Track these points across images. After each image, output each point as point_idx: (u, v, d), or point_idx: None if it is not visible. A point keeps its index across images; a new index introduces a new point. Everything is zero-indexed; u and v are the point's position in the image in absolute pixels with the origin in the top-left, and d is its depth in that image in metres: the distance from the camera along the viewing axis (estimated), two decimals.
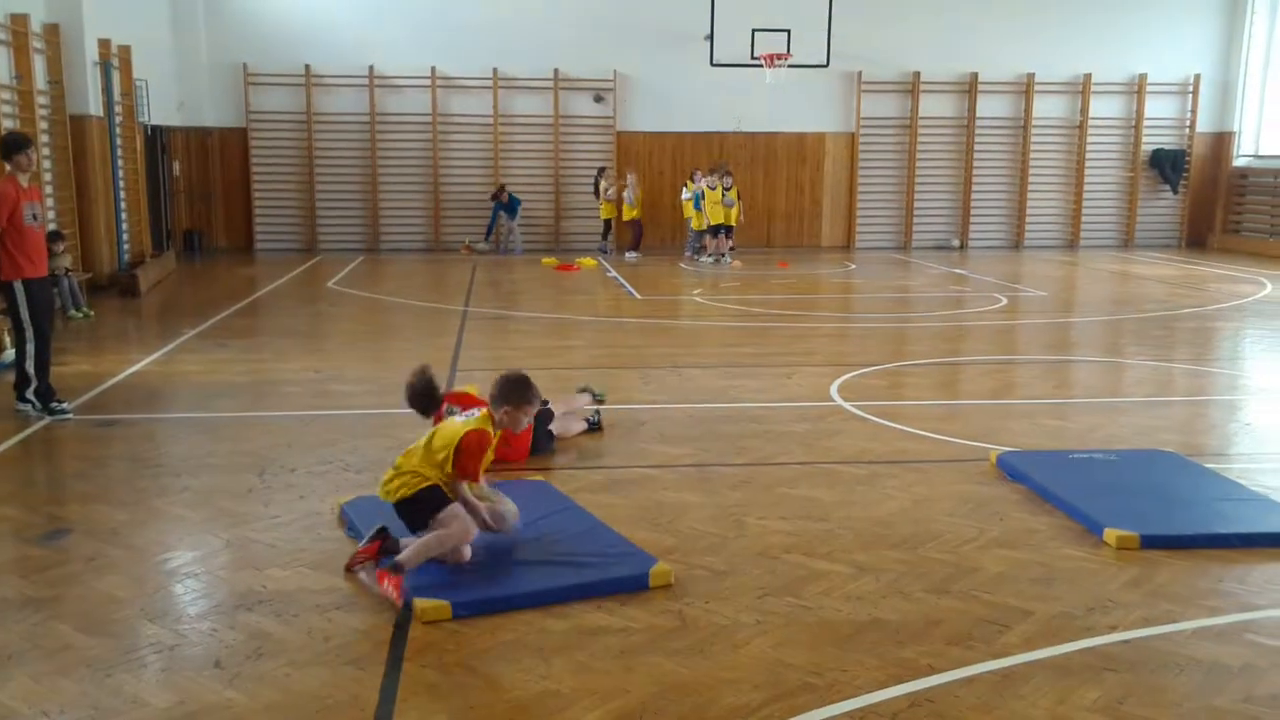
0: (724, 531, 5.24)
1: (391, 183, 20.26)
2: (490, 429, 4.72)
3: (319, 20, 19.51)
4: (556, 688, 3.69)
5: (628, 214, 19.11)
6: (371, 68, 19.69)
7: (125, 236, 15.30)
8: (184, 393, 8.46)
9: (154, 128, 17.97)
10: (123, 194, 15.38)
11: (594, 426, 7.04)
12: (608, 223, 19.64)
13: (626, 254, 19.03)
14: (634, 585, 4.50)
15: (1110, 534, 5.04)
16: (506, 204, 19.66)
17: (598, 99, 20.32)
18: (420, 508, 4.64)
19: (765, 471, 6.26)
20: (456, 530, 4.58)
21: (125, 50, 15.64)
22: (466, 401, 5.87)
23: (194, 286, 15.43)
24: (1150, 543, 4.99)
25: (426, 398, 5.02)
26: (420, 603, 4.21)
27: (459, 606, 4.21)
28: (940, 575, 4.69)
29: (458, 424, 4.71)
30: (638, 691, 3.66)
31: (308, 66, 19.55)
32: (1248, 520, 5.26)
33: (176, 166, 19.50)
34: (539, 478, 5.99)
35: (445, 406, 5.54)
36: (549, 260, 18.05)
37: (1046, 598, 4.45)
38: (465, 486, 4.71)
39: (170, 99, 18.83)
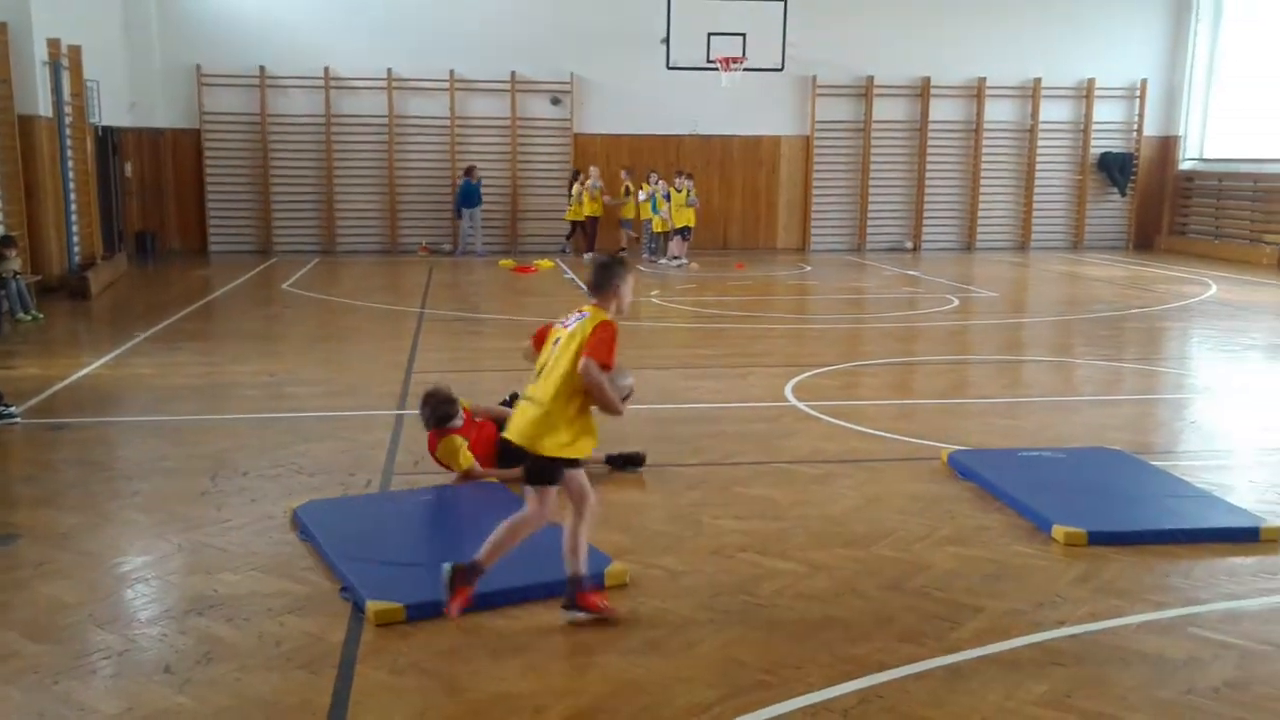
0: (679, 531, 5.27)
1: (347, 184, 20.13)
2: (609, 318, 4.27)
3: (273, 21, 19.34)
4: (510, 689, 3.69)
5: (592, 210, 19.19)
6: (327, 69, 19.55)
7: (75, 238, 15.08)
8: (136, 396, 8.37)
9: (105, 129, 17.72)
10: (73, 195, 15.16)
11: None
12: (593, 222, 19.59)
13: (584, 255, 19.10)
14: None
15: (1059, 531, 5.13)
16: (473, 186, 19.41)
17: (555, 101, 20.31)
18: (550, 468, 4.18)
19: (721, 471, 6.30)
20: (577, 491, 4.24)
21: (75, 51, 15.41)
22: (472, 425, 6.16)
23: (146, 289, 15.25)
24: (1097, 539, 5.08)
25: (446, 404, 5.75)
26: (373, 605, 4.20)
27: (413, 609, 4.20)
28: (892, 573, 4.75)
29: (571, 329, 4.20)
30: (592, 691, 3.68)
31: (262, 68, 19.38)
32: (1192, 516, 5.36)
33: (128, 168, 19.25)
34: (493, 480, 5.98)
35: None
36: (506, 262, 18.02)
37: (996, 594, 4.52)
38: (607, 380, 4.14)
39: (122, 100, 18.58)
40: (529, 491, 4.24)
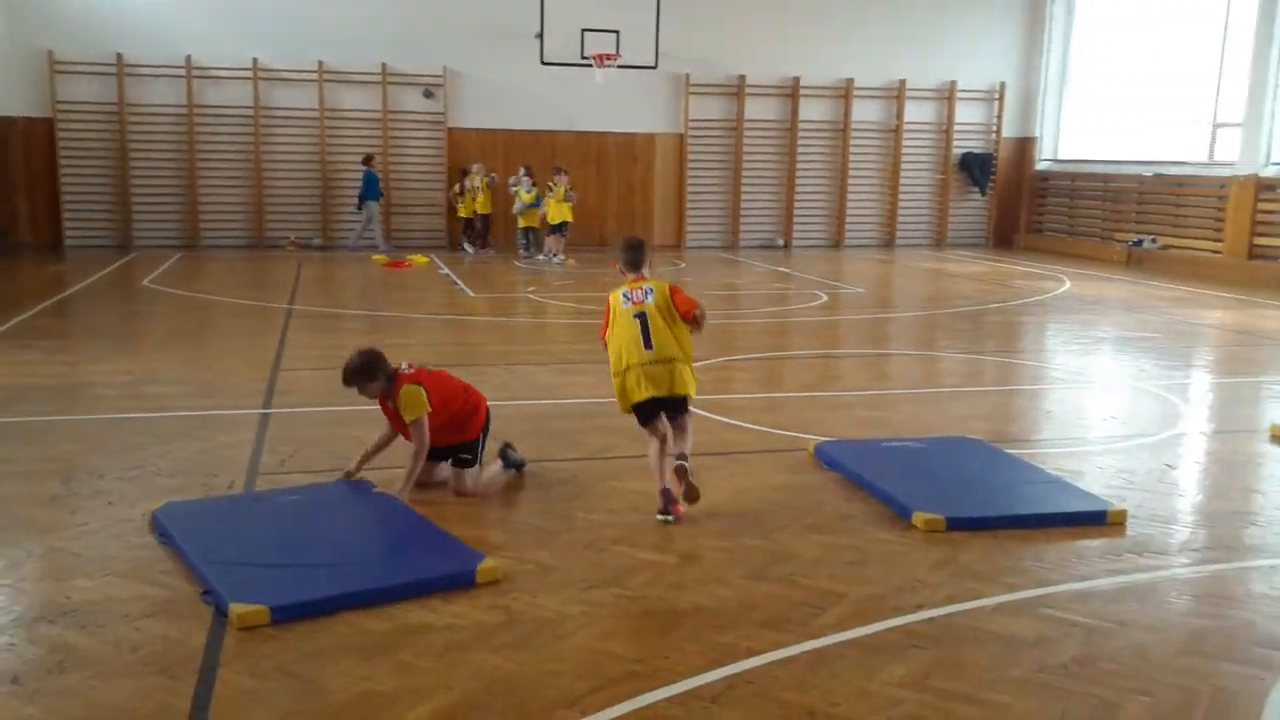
0: (553, 526, 5.28)
1: (212, 177, 19.52)
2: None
3: (130, 7, 18.61)
4: (378, 688, 3.65)
5: (484, 208, 19.07)
6: (189, 58, 18.92)
7: None
8: None
9: None
10: None
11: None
12: (484, 219, 19.38)
13: (475, 250, 19.04)
14: (461, 582, 4.49)
15: (918, 517, 5.30)
16: (374, 176, 18.94)
17: (428, 94, 20.06)
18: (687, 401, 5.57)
19: (595, 466, 6.33)
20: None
21: None
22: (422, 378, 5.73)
23: None
24: (955, 525, 5.26)
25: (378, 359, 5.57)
26: (236, 608, 4.10)
27: (277, 610, 4.12)
28: (759, 561, 4.84)
29: (652, 301, 5.48)
30: (461, 688, 3.66)
31: (119, 55, 18.65)
32: (1045, 502, 5.61)
33: None
34: (363, 478, 5.89)
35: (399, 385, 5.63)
36: (379, 257, 17.72)
37: (858, 580, 4.65)
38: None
39: None
40: (662, 422, 5.50)
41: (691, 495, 5.32)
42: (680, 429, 5.53)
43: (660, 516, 5.33)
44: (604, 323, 5.64)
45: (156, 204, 19.40)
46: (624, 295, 5.53)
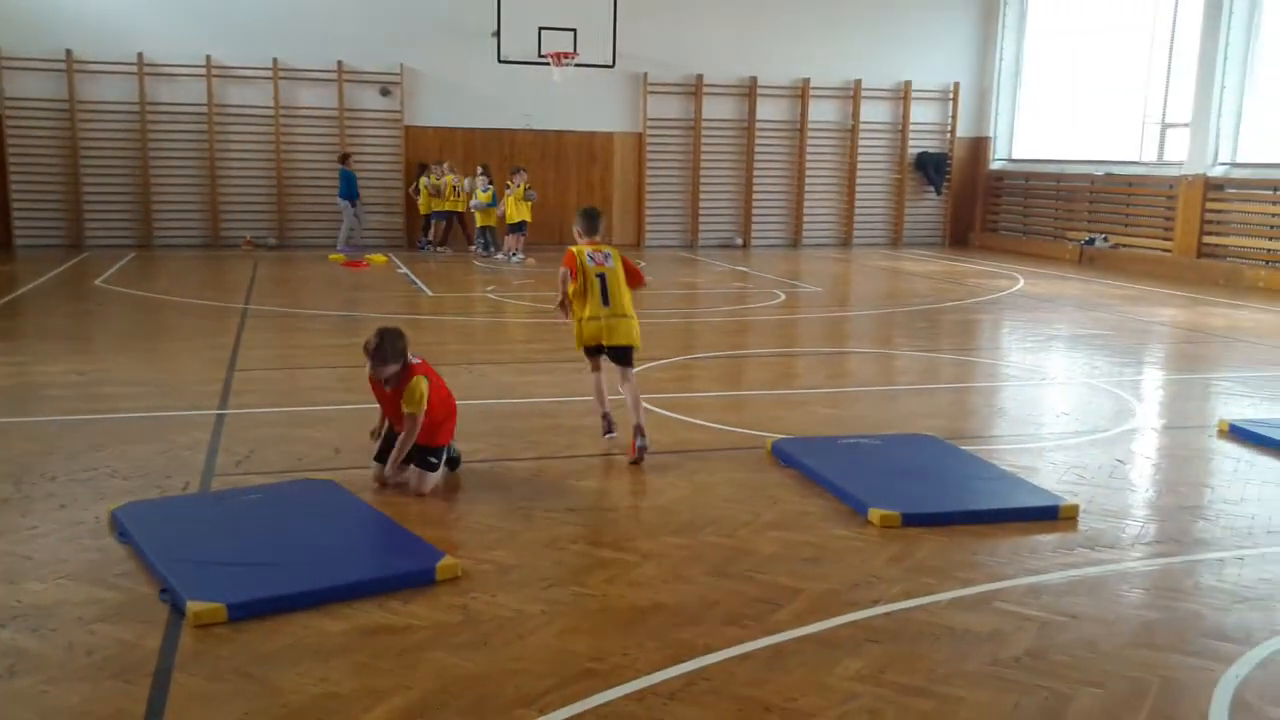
0: (512, 525, 5.28)
1: (165, 176, 19.28)
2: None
3: (80, 3, 18.35)
4: (335, 689, 3.64)
5: (439, 206, 19.01)
6: (141, 54, 18.67)
7: None
8: None
9: None
10: None
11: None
12: (449, 216, 19.29)
13: (436, 247, 19.02)
14: (420, 580, 4.48)
15: (874, 513, 5.35)
16: (351, 174, 18.69)
17: (384, 92, 19.94)
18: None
19: (555, 465, 6.33)
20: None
21: None
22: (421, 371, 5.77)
23: None
24: (911, 521, 5.32)
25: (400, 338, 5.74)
26: (193, 605, 4.07)
27: (235, 609, 4.09)
28: (717, 558, 4.87)
29: (611, 264, 6.51)
30: (420, 688, 3.66)
31: (69, 51, 18.37)
32: (999, 497, 5.68)
33: None
34: (324, 477, 5.86)
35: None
36: (336, 256, 17.60)
37: (815, 576, 4.69)
38: None
39: None
40: (622, 370, 6.49)
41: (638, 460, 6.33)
42: (626, 378, 6.49)
43: (606, 436, 6.60)
44: (571, 270, 6.42)
45: (109, 203, 19.15)
46: (589, 255, 6.49)
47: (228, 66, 19.11)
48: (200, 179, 19.39)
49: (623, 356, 6.52)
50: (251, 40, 19.04)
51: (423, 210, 19.16)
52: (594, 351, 6.61)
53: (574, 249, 6.53)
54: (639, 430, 6.34)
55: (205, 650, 3.89)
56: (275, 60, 19.20)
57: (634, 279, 6.63)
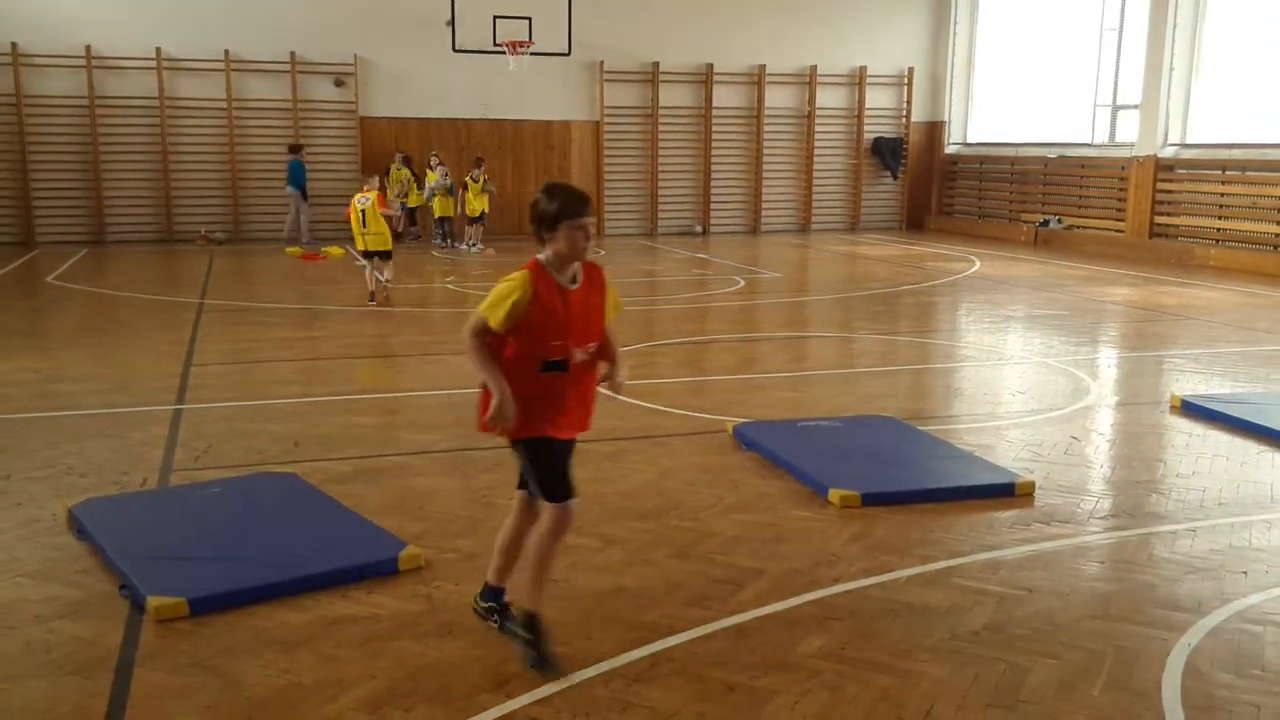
0: (475, 514, 5.28)
1: (117, 170, 19.02)
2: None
3: None
4: (299, 680, 3.63)
5: (417, 201, 18.97)
6: (89, 47, 18.39)
7: None
8: None
9: None
10: None
11: None
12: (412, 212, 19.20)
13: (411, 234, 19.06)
14: (383, 570, 4.48)
15: (834, 494, 5.40)
16: (301, 165, 18.43)
17: (338, 83, 19.76)
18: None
19: None
20: None
21: None
22: None
23: None
24: (870, 500, 5.38)
25: None
26: (154, 600, 4.04)
27: (196, 603, 4.07)
28: (681, 541, 4.91)
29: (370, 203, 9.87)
30: (384, 677, 3.66)
31: (14, 45, 18.05)
32: (955, 476, 5.76)
33: None
34: (285, 470, 5.83)
35: None
36: (293, 250, 17.44)
37: (777, 556, 4.73)
38: None
39: None
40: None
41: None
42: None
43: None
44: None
45: (59, 198, 18.86)
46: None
47: (178, 59, 18.86)
48: (152, 173, 19.14)
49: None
50: (202, 31, 18.79)
51: (438, 213, 18.71)
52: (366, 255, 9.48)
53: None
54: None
55: (167, 645, 3.86)
56: (227, 51, 18.97)
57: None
